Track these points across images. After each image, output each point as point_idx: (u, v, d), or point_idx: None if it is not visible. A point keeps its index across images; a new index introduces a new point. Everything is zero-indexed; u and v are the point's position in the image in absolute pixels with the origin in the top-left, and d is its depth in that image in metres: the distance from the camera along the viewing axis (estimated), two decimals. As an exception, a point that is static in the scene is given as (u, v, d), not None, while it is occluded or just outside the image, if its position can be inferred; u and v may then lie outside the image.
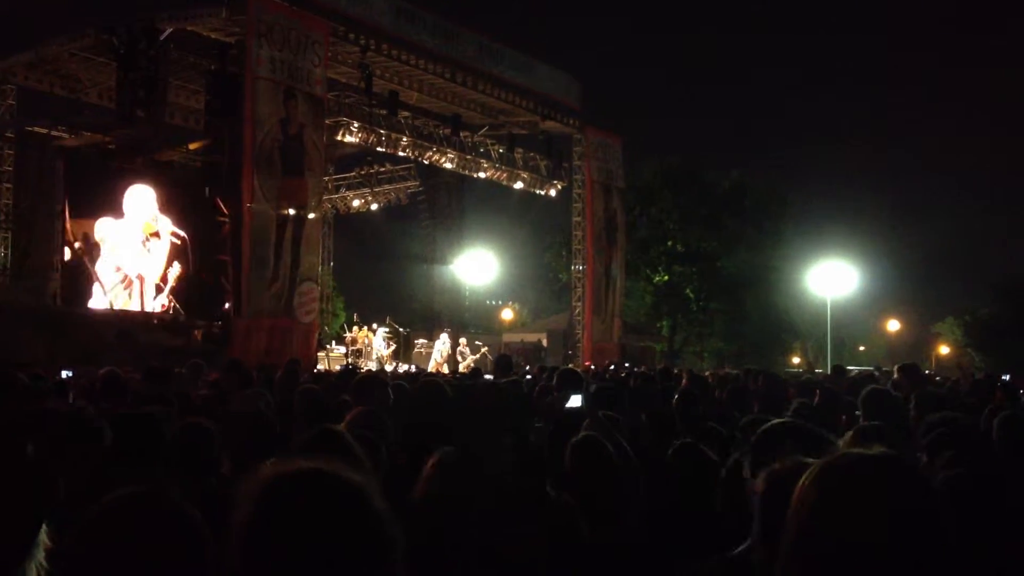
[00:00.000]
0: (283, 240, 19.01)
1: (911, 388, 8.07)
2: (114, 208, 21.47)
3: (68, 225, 20.60)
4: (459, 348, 26.31)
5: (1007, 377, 13.54)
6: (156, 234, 22.18)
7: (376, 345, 24.17)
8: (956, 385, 12.15)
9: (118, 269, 21.53)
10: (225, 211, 18.74)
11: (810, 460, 1.73)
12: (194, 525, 1.73)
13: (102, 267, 21.27)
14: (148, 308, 21.75)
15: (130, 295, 21.74)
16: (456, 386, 6.90)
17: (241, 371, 8.53)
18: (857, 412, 5.94)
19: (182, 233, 22.01)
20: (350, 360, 22.15)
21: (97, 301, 21.01)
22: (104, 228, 21.28)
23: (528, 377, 11.22)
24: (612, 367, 18.45)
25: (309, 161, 19.70)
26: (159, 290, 22.16)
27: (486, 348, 26.90)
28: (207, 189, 19.31)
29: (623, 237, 31.20)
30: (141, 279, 21.87)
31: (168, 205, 22.34)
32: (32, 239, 21.40)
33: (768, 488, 2.17)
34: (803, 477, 1.58)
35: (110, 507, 1.72)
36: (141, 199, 21.89)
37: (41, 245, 21.00)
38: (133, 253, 21.82)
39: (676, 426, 5.72)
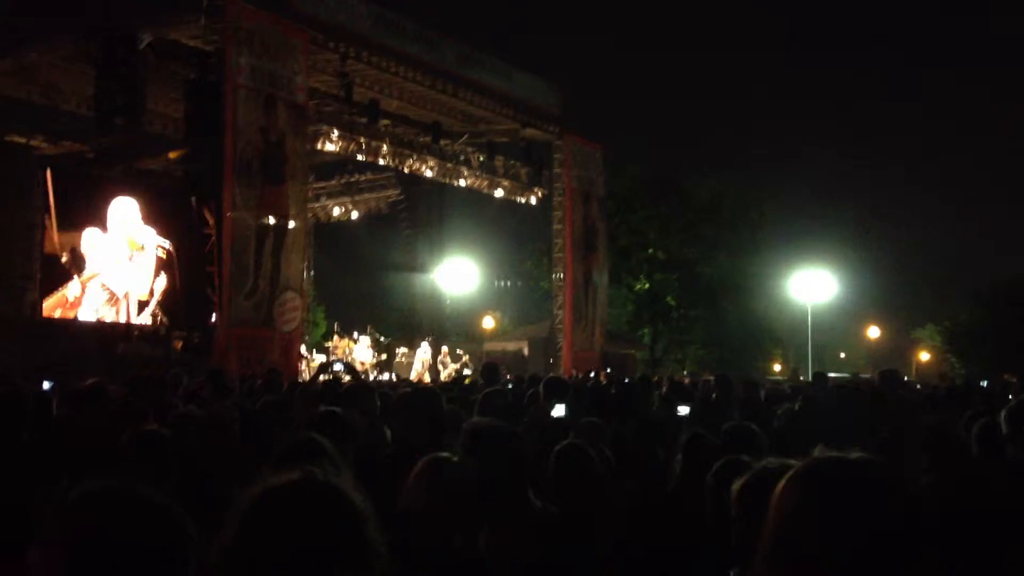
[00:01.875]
0: (263, 249, 18.91)
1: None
2: (99, 219, 21.34)
3: (56, 239, 20.44)
4: (440, 357, 26.25)
5: (984, 383, 13.63)
6: (141, 248, 22.07)
7: (358, 355, 23.93)
8: (935, 392, 12.21)
9: (104, 287, 21.38)
10: (210, 221, 18.58)
11: (790, 462, 1.72)
12: (174, 518, 1.71)
13: (90, 282, 21.15)
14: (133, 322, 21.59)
15: (117, 312, 21.58)
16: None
17: (220, 381, 8.48)
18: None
19: (168, 245, 21.89)
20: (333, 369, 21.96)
21: (85, 315, 20.88)
22: (90, 242, 21.14)
23: (510, 386, 11.20)
24: (592, 374, 18.45)
25: (291, 169, 19.61)
26: (144, 305, 22.01)
27: (467, 357, 26.87)
28: (193, 199, 19.16)
29: (603, 245, 31.23)
30: (127, 297, 21.73)
31: (152, 215, 22.23)
32: (10, 249, 21.21)
33: (744, 492, 2.17)
34: (781, 482, 1.57)
35: (83, 497, 1.69)
36: (124, 212, 21.75)
37: (19, 256, 20.81)
38: (119, 269, 21.67)
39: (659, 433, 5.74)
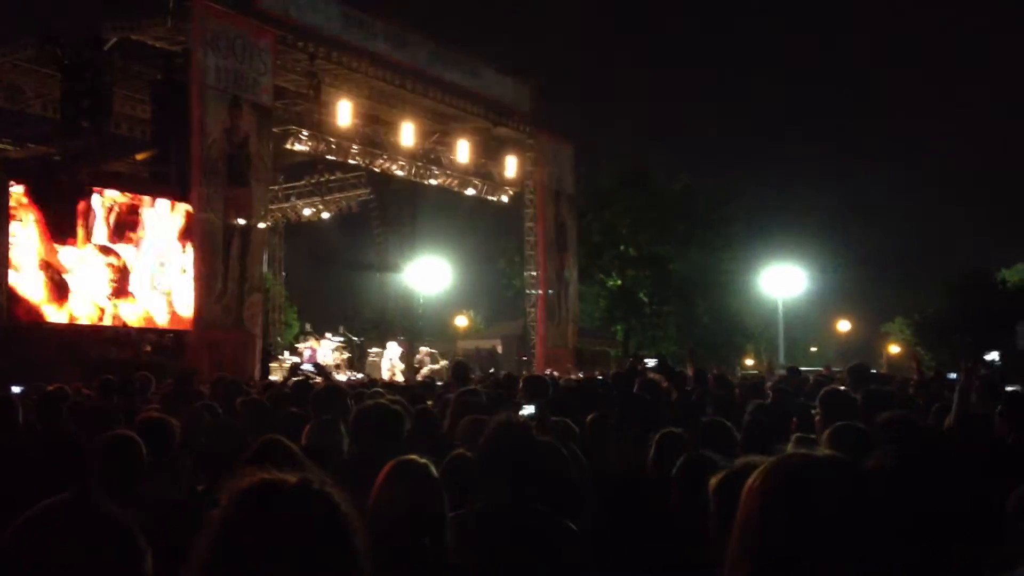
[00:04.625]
0: (231, 251, 18.84)
1: (858, 388, 8.19)
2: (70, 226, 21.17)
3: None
4: (419, 356, 26.12)
5: (953, 375, 13.70)
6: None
7: (321, 355, 23.55)
8: (905, 384, 12.28)
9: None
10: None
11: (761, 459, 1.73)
12: (125, 532, 1.71)
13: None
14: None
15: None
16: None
17: (189, 385, 8.43)
18: (814, 410, 5.99)
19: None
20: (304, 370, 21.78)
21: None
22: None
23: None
24: (558, 374, 18.40)
25: (255, 171, 19.51)
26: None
27: (443, 362, 26.76)
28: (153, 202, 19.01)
29: (575, 242, 31.30)
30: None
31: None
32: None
33: (721, 488, 2.17)
34: (749, 480, 1.57)
35: (38, 515, 1.70)
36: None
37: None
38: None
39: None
